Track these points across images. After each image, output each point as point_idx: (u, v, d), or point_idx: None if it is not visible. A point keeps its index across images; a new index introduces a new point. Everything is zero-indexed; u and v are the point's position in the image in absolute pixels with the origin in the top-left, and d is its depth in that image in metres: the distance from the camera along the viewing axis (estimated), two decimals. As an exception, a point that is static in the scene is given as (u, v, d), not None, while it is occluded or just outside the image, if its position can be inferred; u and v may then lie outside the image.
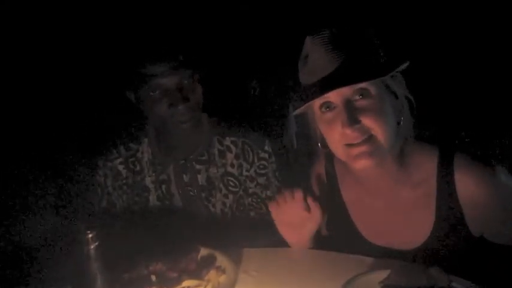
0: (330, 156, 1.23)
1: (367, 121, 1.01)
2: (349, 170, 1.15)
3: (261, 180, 1.48)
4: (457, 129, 1.88)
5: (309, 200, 1.15)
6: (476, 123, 2.01)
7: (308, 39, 1.04)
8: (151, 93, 1.35)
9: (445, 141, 1.15)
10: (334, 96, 1.02)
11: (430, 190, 1.10)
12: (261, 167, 1.48)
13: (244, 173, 1.48)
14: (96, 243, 0.85)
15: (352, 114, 1.00)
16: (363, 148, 1.02)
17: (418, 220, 1.11)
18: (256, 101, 2.50)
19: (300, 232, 1.19)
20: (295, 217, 1.16)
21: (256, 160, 1.48)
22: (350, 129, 1.01)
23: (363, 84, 1.00)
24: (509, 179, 1.08)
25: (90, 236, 0.85)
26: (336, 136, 1.04)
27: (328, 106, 1.04)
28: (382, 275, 0.97)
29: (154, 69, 1.32)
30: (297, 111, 1.08)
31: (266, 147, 1.49)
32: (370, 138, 1.02)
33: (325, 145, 1.12)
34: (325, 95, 1.01)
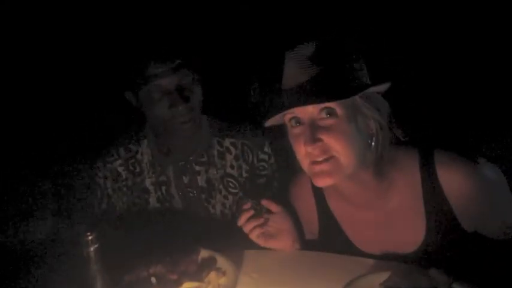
0: None
1: (329, 141, 1.01)
2: (334, 186, 1.15)
3: (261, 181, 1.48)
4: (434, 126, 1.88)
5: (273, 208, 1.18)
6: (454, 120, 2.02)
7: (288, 51, 1.05)
8: (151, 94, 1.35)
9: (423, 141, 1.14)
10: (301, 112, 1.02)
11: (416, 192, 1.10)
12: (261, 168, 1.48)
13: (244, 174, 1.48)
14: (96, 245, 0.85)
15: (313, 133, 1.00)
16: (323, 166, 1.02)
17: (410, 224, 1.11)
18: (255, 102, 2.50)
19: (275, 242, 1.20)
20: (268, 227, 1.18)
21: (255, 161, 1.48)
22: (310, 147, 1.01)
23: (329, 103, 1.00)
24: (493, 171, 1.09)
25: (90, 237, 0.85)
26: (302, 152, 1.04)
27: (297, 121, 1.04)
28: (383, 276, 0.97)
29: (154, 69, 1.32)
30: (268, 124, 1.09)
31: (266, 149, 1.49)
32: (331, 158, 1.02)
33: None
34: (292, 110, 1.02)
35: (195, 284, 1.01)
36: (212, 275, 1.05)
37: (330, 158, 1.02)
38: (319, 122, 1.01)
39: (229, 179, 1.48)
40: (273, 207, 1.19)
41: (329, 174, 1.03)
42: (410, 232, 1.11)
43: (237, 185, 1.48)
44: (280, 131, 1.18)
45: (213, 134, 1.50)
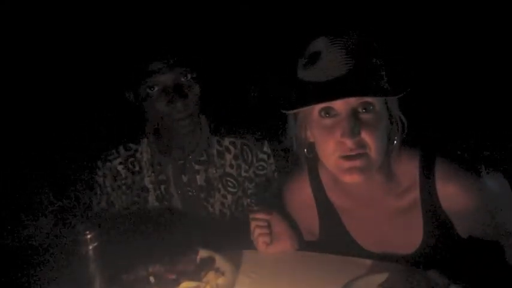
0: (314, 166, 1.22)
1: (366, 136, 1.00)
2: (336, 180, 1.14)
3: (260, 181, 1.48)
4: (439, 131, 1.88)
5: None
6: (460, 126, 2.02)
7: (324, 38, 1.02)
8: (150, 91, 1.35)
9: (427, 145, 1.14)
10: (340, 103, 0.99)
11: (415, 197, 1.10)
12: (260, 168, 1.48)
13: (243, 173, 1.48)
14: (95, 244, 0.85)
15: (354, 125, 0.98)
16: (355, 163, 1.01)
17: (409, 227, 1.11)
18: (255, 102, 2.50)
19: (273, 247, 1.20)
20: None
21: (255, 161, 1.48)
22: (350, 140, 0.99)
23: (370, 99, 0.99)
24: (495, 183, 1.08)
25: (88, 236, 0.85)
26: (331, 145, 1.02)
27: (328, 112, 1.01)
28: (381, 277, 0.97)
29: (153, 66, 1.32)
30: (293, 111, 1.06)
31: (265, 148, 1.49)
32: (364, 154, 1.01)
33: (311, 151, 1.11)
34: (330, 101, 1.00)
35: (194, 283, 1.01)
36: (210, 274, 1.04)
37: (362, 154, 1.00)
38: (359, 115, 1.00)
39: (228, 179, 1.48)
40: (265, 215, 1.19)
41: (360, 171, 1.01)
42: (409, 234, 1.11)
43: (236, 184, 1.48)
44: (280, 131, 1.18)
45: (212, 133, 1.50)
